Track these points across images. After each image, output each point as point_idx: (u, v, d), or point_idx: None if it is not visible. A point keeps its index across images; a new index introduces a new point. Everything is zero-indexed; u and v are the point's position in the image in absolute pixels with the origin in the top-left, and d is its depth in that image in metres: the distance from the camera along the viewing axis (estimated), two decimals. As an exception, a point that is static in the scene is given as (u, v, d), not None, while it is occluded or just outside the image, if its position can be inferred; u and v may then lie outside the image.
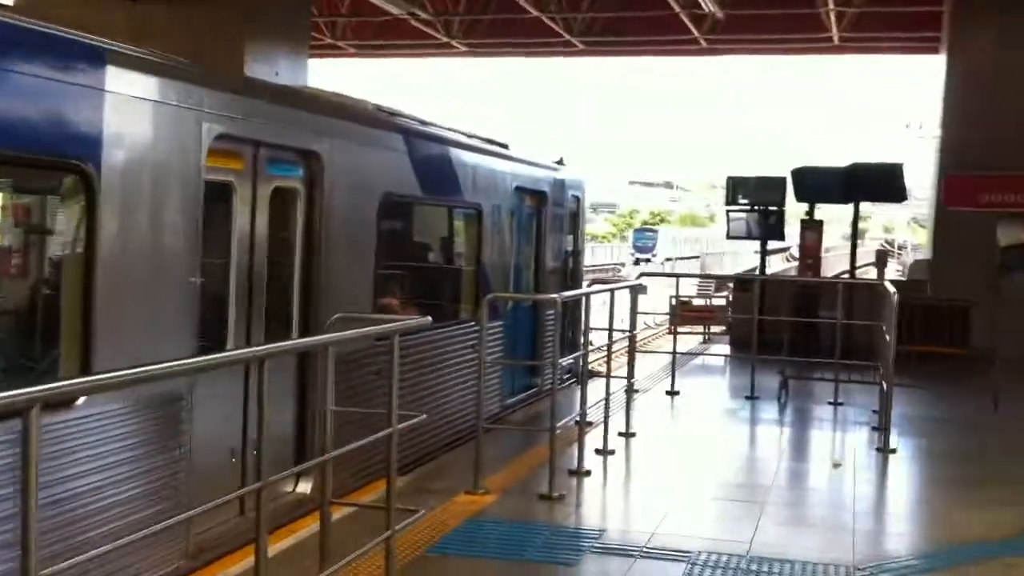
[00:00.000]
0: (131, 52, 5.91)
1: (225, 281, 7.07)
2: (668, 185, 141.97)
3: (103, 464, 5.63)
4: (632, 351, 10.91)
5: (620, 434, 10.05)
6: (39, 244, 5.83)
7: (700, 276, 36.75)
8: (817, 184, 17.67)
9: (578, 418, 8.77)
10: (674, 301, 19.04)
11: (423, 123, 10.53)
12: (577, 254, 15.01)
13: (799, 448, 10.79)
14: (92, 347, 5.58)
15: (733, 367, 15.74)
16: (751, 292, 14.65)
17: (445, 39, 22.74)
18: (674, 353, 13.31)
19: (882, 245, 56.81)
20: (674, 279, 18.21)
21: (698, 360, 17.17)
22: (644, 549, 6.77)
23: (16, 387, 2.89)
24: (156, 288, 6.13)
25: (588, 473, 8.63)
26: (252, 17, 16.64)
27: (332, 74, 31.61)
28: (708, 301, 21.60)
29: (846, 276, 21.57)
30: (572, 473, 8.54)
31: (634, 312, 10.74)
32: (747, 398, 12.59)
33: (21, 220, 5.81)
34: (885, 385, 10.33)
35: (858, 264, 22.38)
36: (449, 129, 11.17)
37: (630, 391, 10.52)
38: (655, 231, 78.13)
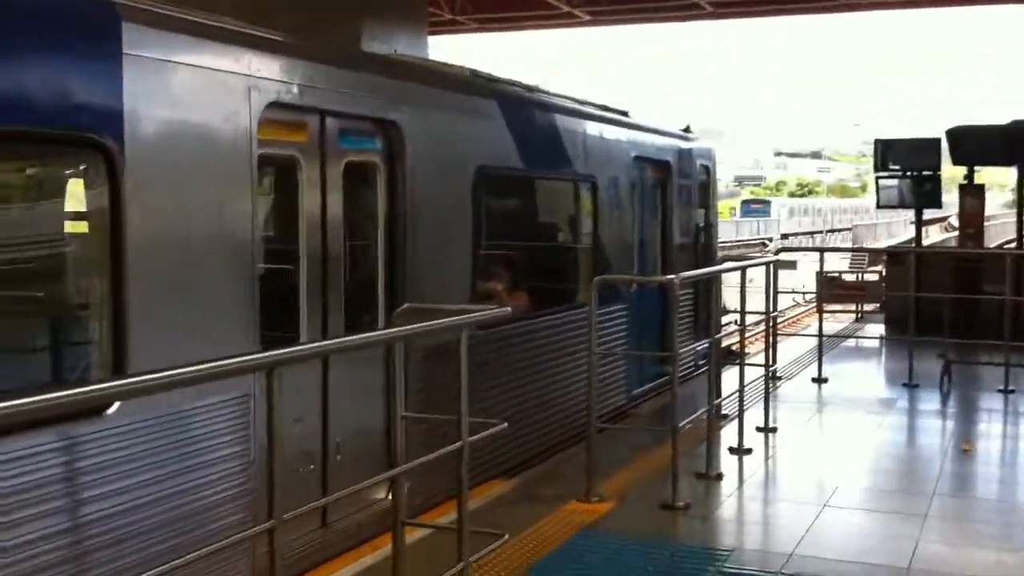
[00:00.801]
0: (155, 9, 5.13)
1: (295, 268, 6.27)
2: (816, 155, 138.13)
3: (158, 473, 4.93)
4: (771, 334, 9.75)
5: (758, 429, 8.96)
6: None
7: (847, 250, 34.73)
8: (976, 145, 15.94)
9: (708, 412, 7.71)
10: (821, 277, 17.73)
11: (528, 89, 9.59)
12: (709, 228, 13.85)
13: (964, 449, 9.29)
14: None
15: (889, 349, 14.26)
16: (906, 266, 13.26)
17: (567, 8, 21.68)
18: (820, 336, 12.02)
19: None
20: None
21: (851, 341, 15.79)
22: (782, 573, 5.73)
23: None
24: (201, 277, 5.35)
25: (720, 477, 7.61)
26: (367, -6, 16.16)
27: (456, 51, 30.73)
28: (860, 276, 19.94)
29: (1012, 246, 19.66)
30: (701, 477, 7.55)
31: (772, 291, 9.64)
32: (905, 385, 11.24)
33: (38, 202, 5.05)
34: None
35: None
36: (556, 95, 10.20)
37: (768, 379, 9.34)
38: (767, 203, 73.58)
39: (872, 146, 17.20)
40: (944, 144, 16.27)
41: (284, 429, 5.72)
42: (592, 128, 10.29)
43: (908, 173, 16.54)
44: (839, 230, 67.92)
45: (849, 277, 19.69)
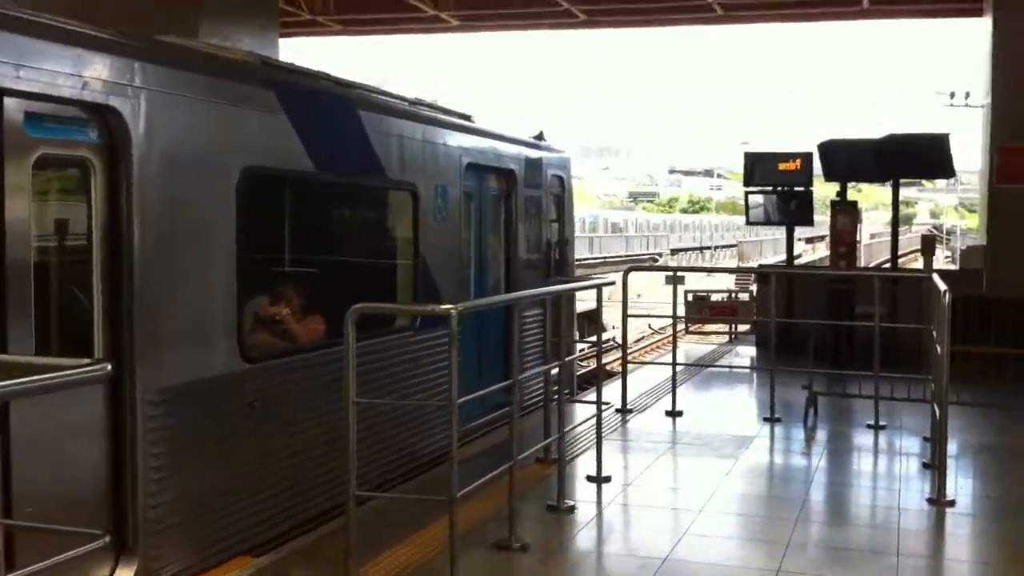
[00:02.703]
0: None
1: None
2: (708, 173, 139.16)
3: None
4: (600, 365, 8.60)
5: (589, 479, 7.74)
6: None
7: (699, 269, 33.94)
8: (848, 160, 15.11)
9: (512, 465, 6.30)
10: (690, 297, 16.80)
11: (332, 81, 8.26)
12: (564, 243, 12.64)
13: (828, 497, 7.96)
14: None
15: (760, 376, 13.21)
16: (773, 287, 12.32)
17: (433, 12, 20.39)
18: (674, 364, 10.86)
19: (929, 230, 53.52)
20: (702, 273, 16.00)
21: (727, 360, 14.75)
22: None
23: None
24: None
25: (524, 549, 6.24)
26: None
27: (315, 55, 29.27)
28: (733, 296, 18.97)
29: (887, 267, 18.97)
30: (500, 548, 6.22)
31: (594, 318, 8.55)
32: (766, 419, 10.17)
33: None
34: (938, 410, 7.87)
35: (902, 252, 19.64)
36: (368, 90, 8.89)
37: (599, 419, 8.02)
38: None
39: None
40: (816, 158, 15.43)
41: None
42: (412, 130, 8.95)
43: (778, 188, 15.65)
44: (727, 246, 68.01)
45: (716, 297, 18.69)
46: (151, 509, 5.64)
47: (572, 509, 7.05)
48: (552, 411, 7.68)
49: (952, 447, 8.22)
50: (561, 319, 11.09)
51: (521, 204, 11.29)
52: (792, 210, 15.53)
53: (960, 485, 7.89)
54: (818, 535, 6.91)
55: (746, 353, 15.43)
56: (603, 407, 8.14)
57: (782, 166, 15.46)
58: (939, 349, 7.81)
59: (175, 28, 10.18)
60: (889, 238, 17.33)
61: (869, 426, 9.86)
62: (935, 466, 7.82)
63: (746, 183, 16.04)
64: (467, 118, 10.80)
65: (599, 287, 8.47)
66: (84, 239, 5.54)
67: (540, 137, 12.46)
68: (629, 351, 21.11)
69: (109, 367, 2.97)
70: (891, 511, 7.31)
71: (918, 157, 15.15)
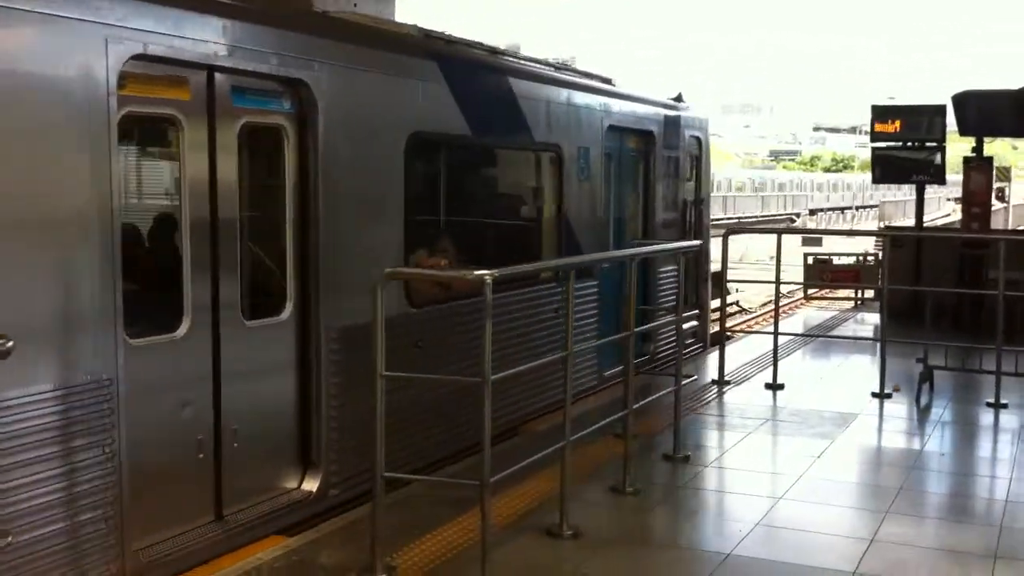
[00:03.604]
0: None
1: (176, 242, 5.71)
2: (853, 130, 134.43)
3: None
4: (681, 337, 7.99)
5: (666, 457, 7.29)
6: None
7: (802, 232, 32.23)
8: (985, 112, 13.91)
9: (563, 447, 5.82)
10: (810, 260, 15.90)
11: (488, 51, 8.93)
12: (700, 203, 12.83)
13: (928, 486, 7.18)
14: None
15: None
16: (905, 250, 11.54)
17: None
18: (776, 333, 10.14)
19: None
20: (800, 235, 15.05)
21: (847, 328, 13.89)
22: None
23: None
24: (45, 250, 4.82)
25: (576, 536, 5.77)
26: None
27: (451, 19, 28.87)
28: (862, 260, 17.85)
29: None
30: (551, 534, 5.76)
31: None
32: (875, 395, 9.41)
33: None
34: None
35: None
36: (516, 58, 9.53)
37: (678, 393, 7.50)
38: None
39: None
40: (950, 111, 14.29)
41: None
42: (556, 94, 9.51)
43: (908, 143, 14.56)
44: (870, 206, 65.40)
45: (844, 260, 17.65)
46: (332, 431, 6.48)
47: (637, 492, 6.54)
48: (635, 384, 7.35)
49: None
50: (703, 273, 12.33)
51: (659, 164, 11.66)
52: (926, 165, 14.43)
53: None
54: (909, 533, 6.06)
55: (871, 321, 14.50)
56: (692, 379, 7.67)
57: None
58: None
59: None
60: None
61: (989, 404, 9.05)
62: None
63: (873, 138, 14.98)
64: (608, 81, 11.20)
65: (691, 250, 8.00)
66: (279, 197, 6.33)
67: (679, 99, 12.67)
68: (753, 316, 20.40)
69: None
70: (998, 505, 6.56)
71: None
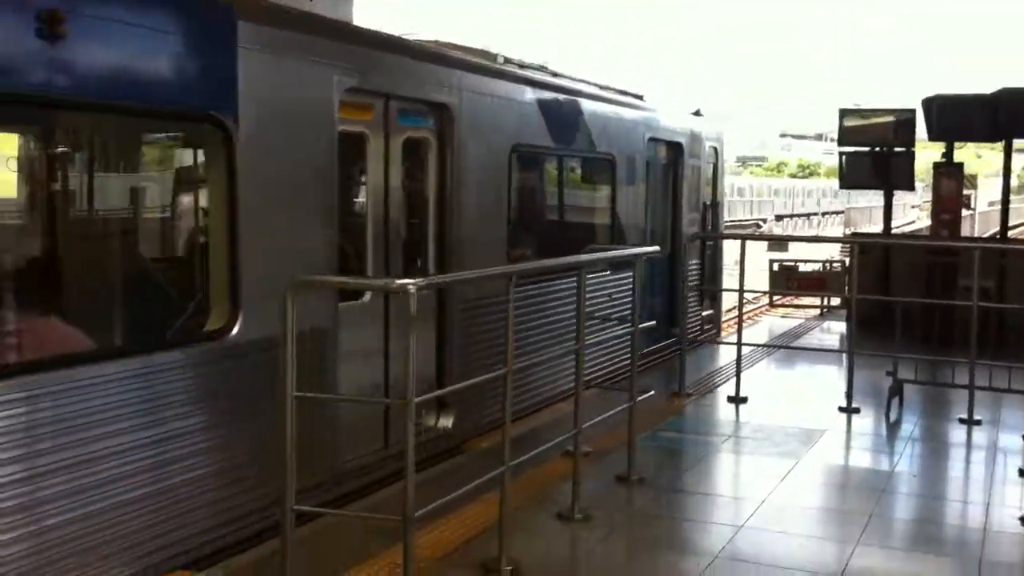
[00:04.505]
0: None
1: (363, 225, 7.40)
2: (819, 137, 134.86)
3: None
4: (636, 350, 7.31)
5: (619, 479, 6.74)
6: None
7: (764, 238, 31.75)
8: (956, 117, 13.52)
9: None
10: (775, 267, 15.44)
11: (553, 75, 10.48)
12: (716, 206, 14.46)
13: (900, 512, 6.81)
14: None
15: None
16: (871, 258, 11.21)
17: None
18: (739, 344, 9.67)
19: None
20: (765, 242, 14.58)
21: (813, 337, 13.46)
22: None
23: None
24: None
25: (514, 572, 5.24)
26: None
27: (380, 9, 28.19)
28: (827, 267, 17.40)
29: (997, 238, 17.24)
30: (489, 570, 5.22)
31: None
32: (842, 410, 8.95)
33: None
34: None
35: (1018, 222, 17.82)
36: (577, 80, 11.08)
37: (632, 409, 6.96)
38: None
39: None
40: (920, 116, 13.90)
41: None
42: (610, 110, 11.22)
43: (876, 148, 14.15)
44: (834, 212, 65.42)
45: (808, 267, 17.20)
46: (457, 380, 7.75)
47: (587, 518, 6.01)
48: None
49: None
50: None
51: (685, 171, 13.30)
52: (894, 170, 14.02)
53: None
54: (880, 567, 5.63)
55: (837, 329, 14.12)
56: (648, 395, 7.24)
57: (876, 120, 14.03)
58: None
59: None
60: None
61: (962, 420, 8.59)
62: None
63: (841, 142, 14.57)
64: (640, 98, 12.73)
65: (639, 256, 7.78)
66: (423, 195, 8.04)
67: (698, 113, 14.35)
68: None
69: None
70: (974, 534, 6.10)
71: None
